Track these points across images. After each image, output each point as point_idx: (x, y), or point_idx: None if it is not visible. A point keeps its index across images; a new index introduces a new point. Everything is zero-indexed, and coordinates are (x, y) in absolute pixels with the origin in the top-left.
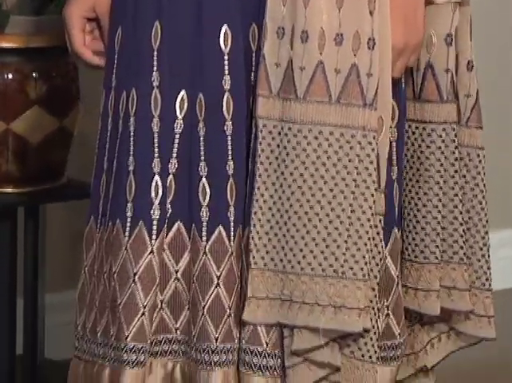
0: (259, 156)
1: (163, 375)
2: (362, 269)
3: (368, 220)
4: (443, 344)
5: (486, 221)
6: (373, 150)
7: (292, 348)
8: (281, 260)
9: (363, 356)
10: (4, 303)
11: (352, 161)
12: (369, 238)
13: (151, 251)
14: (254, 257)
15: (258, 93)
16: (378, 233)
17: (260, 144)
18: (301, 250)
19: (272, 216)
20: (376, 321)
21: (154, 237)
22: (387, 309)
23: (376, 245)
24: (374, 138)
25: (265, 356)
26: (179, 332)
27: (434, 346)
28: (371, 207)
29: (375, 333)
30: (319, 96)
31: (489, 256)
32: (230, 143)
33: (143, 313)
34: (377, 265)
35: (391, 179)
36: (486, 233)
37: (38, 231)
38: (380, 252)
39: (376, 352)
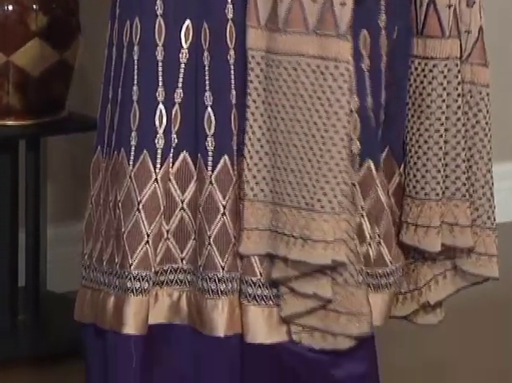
0: (248, 87)
1: (169, 304)
2: (330, 201)
3: (339, 152)
4: (448, 281)
5: (489, 159)
6: (345, 82)
7: (272, 276)
8: (271, 191)
9: (356, 282)
10: (6, 235)
11: (325, 92)
12: (340, 171)
13: (156, 180)
14: (244, 188)
15: (247, 24)
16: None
17: (249, 75)
18: (284, 181)
19: (261, 147)
20: (367, 249)
21: (158, 166)
22: (379, 237)
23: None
24: (347, 70)
25: (259, 286)
26: (184, 261)
27: (438, 283)
28: (342, 139)
29: (358, 260)
30: (297, 27)
31: (492, 194)
32: (232, 72)
33: (147, 242)
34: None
35: (365, 107)
36: (488, 171)
37: (39, 164)
38: (355, 185)
39: (362, 274)
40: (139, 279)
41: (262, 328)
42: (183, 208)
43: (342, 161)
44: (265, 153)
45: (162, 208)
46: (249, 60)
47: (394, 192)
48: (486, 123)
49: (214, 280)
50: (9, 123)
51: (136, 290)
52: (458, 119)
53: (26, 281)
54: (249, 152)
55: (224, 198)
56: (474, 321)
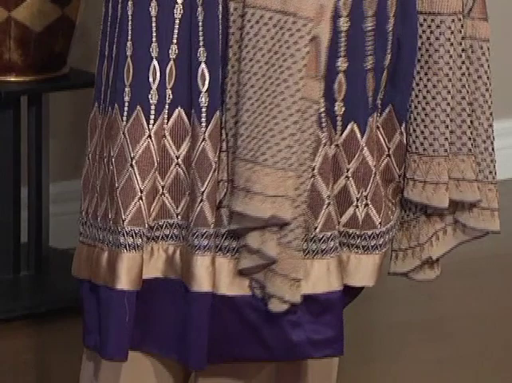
0: (230, 40)
1: (164, 259)
2: (273, 156)
3: (288, 108)
4: (448, 236)
5: (490, 114)
6: (301, 37)
7: (230, 228)
8: (234, 144)
9: (298, 245)
10: (8, 192)
11: (281, 47)
12: (287, 127)
13: (149, 136)
14: (224, 141)
15: None
16: (306, 119)
17: (230, 27)
18: (238, 134)
19: (229, 99)
20: (353, 212)
21: (152, 122)
22: (366, 199)
23: (311, 133)
24: (305, 26)
25: (226, 237)
26: (180, 217)
27: (439, 238)
28: (292, 95)
29: (304, 220)
30: None
31: (493, 149)
32: (220, 27)
33: (140, 198)
34: (304, 152)
35: (335, 69)
36: (490, 126)
37: (41, 121)
38: (316, 140)
39: (300, 239)
40: (132, 235)
41: (226, 279)
42: (178, 164)
43: (290, 117)
44: (234, 104)
45: (156, 164)
46: (230, 12)
47: (394, 152)
48: (488, 77)
49: (207, 237)
50: (11, 79)
51: (129, 246)
52: (463, 74)
53: (29, 237)
54: (226, 104)
55: (216, 154)
56: (474, 277)
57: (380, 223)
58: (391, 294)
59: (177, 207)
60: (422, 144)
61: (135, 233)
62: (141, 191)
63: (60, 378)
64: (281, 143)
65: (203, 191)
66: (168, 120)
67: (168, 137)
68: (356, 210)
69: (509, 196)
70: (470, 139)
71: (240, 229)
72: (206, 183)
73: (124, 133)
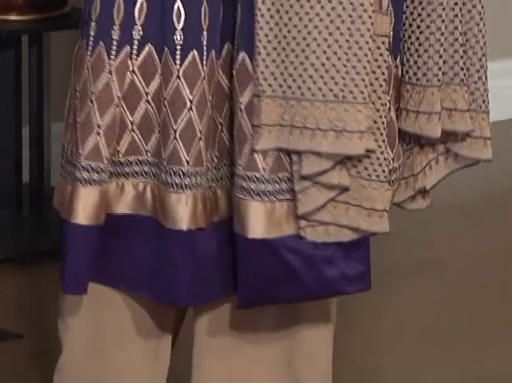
0: None
1: (133, 195)
2: (362, 92)
3: (367, 43)
4: (440, 165)
5: (484, 43)
6: None
7: (301, 173)
8: (280, 85)
9: (369, 175)
10: (10, 132)
11: None
12: (368, 61)
13: (110, 72)
14: (255, 85)
15: None
16: (381, 54)
17: None
18: (301, 76)
19: (268, 43)
20: (383, 141)
21: (113, 57)
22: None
23: (379, 66)
24: None
25: (263, 181)
26: (149, 154)
27: (432, 168)
28: (369, 30)
29: (382, 152)
30: None
31: (486, 78)
32: None
33: (98, 133)
34: (381, 86)
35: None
36: (484, 55)
37: (42, 60)
38: (383, 73)
39: (383, 171)
40: (87, 170)
41: (263, 223)
42: (147, 101)
43: (369, 51)
44: (274, 48)
45: (116, 100)
46: None
47: (393, 85)
48: (482, 6)
49: (179, 174)
50: (12, 18)
51: (85, 181)
52: (456, 3)
53: (30, 177)
54: (257, 47)
55: (191, 92)
56: (472, 217)
57: (393, 159)
58: (388, 236)
59: (146, 144)
60: (415, 73)
61: (92, 168)
62: (99, 127)
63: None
64: (365, 78)
65: (176, 130)
66: (138, 57)
67: (138, 73)
68: (385, 139)
69: (506, 137)
70: (462, 69)
71: (316, 171)
72: (178, 121)
73: (88, 68)
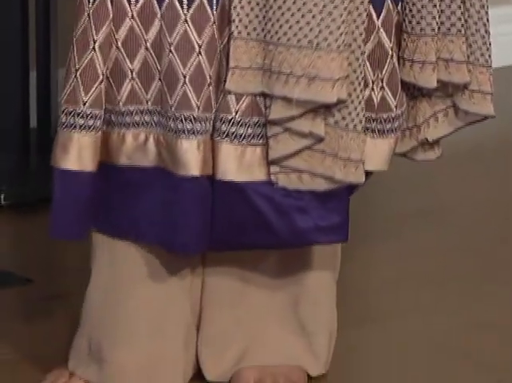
0: None
1: (134, 146)
2: (337, 40)
3: None
4: (448, 119)
5: None
6: None
7: (269, 117)
8: (263, 29)
9: (347, 125)
10: (17, 77)
11: None
12: (345, 8)
13: (111, 21)
14: (237, 27)
15: None
16: (362, 2)
17: None
18: (278, 20)
19: None
20: (361, 91)
21: (113, 3)
22: (382, 82)
23: (359, 15)
24: None
25: (233, 124)
26: (150, 103)
27: (438, 120)
28: None
29: (360, 102)
30: None
31: (486, 31)
32: None
33: (101, 81)
34: (361, 35)
35: None
36: (482, 7)
37: (49, 4)
38: (363, 22)
39: (361, 121)
40: (83, 116)
41: (233, 166)
42: (146, 48)
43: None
44: None
45: (114, 47)
46: None
47: (394, 32)
48: None
49: (190, 120)
50: None
51: (80, 127)
52: None
53: (38, 122)
54: None
55: (200, 37)
56: (477, 163)
57: (395, 106)
58: (391, 182)
59: (146, 93)
60: (410, 22)
61: (87, 114)
62: (103, 74)
63: (70, 257)
64: (341, 26)
65: (185, 75)
66: (137, 2)
67: (137, 19)
68: (372, 93)
69: (508, 84)
70: (459, 19)
71: (284, 117)
72: (188, 65)
73: (89, 15)
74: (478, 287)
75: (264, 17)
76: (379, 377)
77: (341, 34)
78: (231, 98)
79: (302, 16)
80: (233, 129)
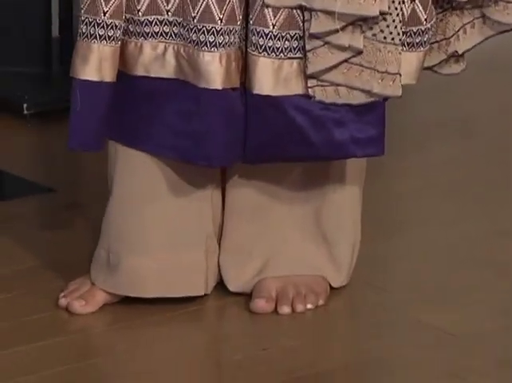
0: None
1: (152, 56)
2: None
3: None
4: (476, 30)
5: None
6: None
7: (309, 31)
8: None
9: (385, 38)
10: None
11: None
12: None
13: None
14: None
15: None
16: None
17: None
18: None
19: None
20: (399, 3)
21: None
22: None
23: None
24: None
25: (271, 37)
26: (170, 13)
27: (466, 32)
28: None
29: (398, 14)
30: None
31: None
32: None
33: None
34: None
35: None
36: None
37: None
38: None
39: (399, 34)
40: (103, 26)
41: (270, 80)
42: None
43: None
44: None
45: None
46: None
47: None
48: None
49: (213, 32)
50: None
51: (100, 36)
52: None
53: (60, 32)
54: None
55: None
56: (503, 71)
57: (425, 19)
58: (416, 91)
59: (167, 4)
60: None
61: (107, 24)
62: None
63: (93, 166)
64: None
65: None
66: None
67: None
68: (403, 5)
69: None
70: None
71: (325, 31)
72: None
73: None
74: (502, 196)
75: None
76: (399, 286)
77: None
78: (268, 11)
79: None
80: (270, 43)
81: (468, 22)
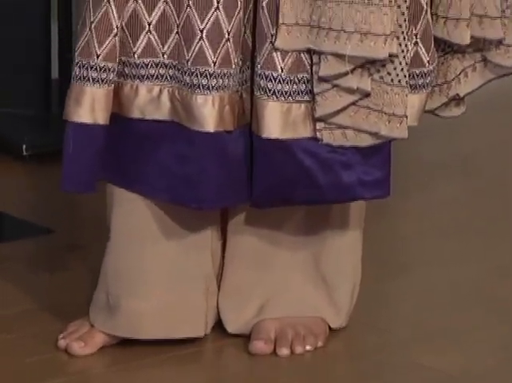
0: None
1: (148, 98)
2: None
3: None
4: (477, 73)
5: None
6: None
7: (319, 74)
8: None
9: (392, 80)
10: (39, 27)
11: None
12: None
13: None
14: None
15: None
16: None
17: None
18: None
19: None
20: (406, 46)
21: None
22: (416, 38)
23: None
24: None
25: (280, 81)
26: (166, 56)
27: (468, 75)
28: None
29: (404, 57)
30: None
31: None
32: None
33: (115, 34)
34: None
35: None
36: None
37: None
38: None
39: (405, 76)
40: (96, 69)
41: (279, 124)
42: (165, 1)
43: None
44: None
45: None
46: None
47: None
48: None
49: (206, 75)
50: None
51: (93, 80)
52: None
53: (59, 74)
54: None
55: None
56: (501, 111)
57: (428, 62)
58: (417, 131)
59: (163, 46)
60: None
61: (101, 67)
62: (117, 28)
63: (91, 207)
64: None
65: (202, 30)
66: None
67: None
68: (407, 48)
69: None
70: None
71: (335, 74)
72: (205, 21)
73: None
74: (504, 234)
75: None
76: (402, 325)
77: None
78: (277, 55)
79: None
80: (279, 87)
81: (469, 66)
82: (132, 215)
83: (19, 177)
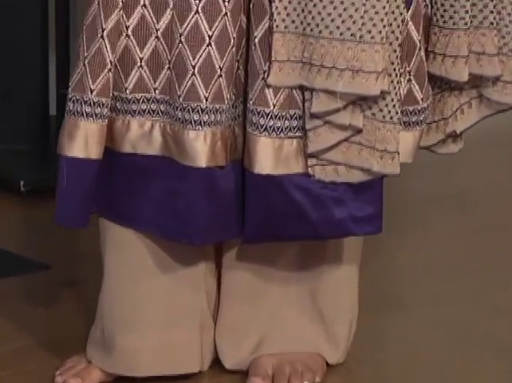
0: None
1: (139, 133)
2: (380, 32)
3: None
4: (473, 110)
5: None
6: None
7: (311, 110)
8: (302, 22)
9: (384, 117)
10: (36, 64)
11: None
12: (387, 1)
13: (120, 9)
14: (275, 20)
15: None
16: None
17: None
18: (320, 13)
19: None
20: (398, 83)
21: None
22: (409, 75)
23: (397, 6)
24: None
25: (271, 117)
26: (157, 91)
27: (464, 112)
28: None
29: (396, 93)
30: None
31: None
32: None
33: (109, 69)
34: (399, 27)
35: None
36: None
37: None
38: (401, 13)
39: (397, 113)
40: (90, 104)
41: (271, 159)
42: (157, 37)
43: None
44: None
45: (124, 35)
46: None
47: (423, 25)
48: None
49: (198, 111)
50: None
51: (87, 115)
52: None
53: (57, 110)
54: None
55: (211, 28)
56: (497, 148)
57: (422, 99)
58: (412, 167)
59: (155, 82)
60: (442, 16)
61: (94, 102)
62: (111, 63)
63: (88, 243)
64: (384, 18)
65: (194, 66)
66: None
67: (149, 8)
68: (400, 85)
69: None
70: (492, 12)
71: (326, 110)
72: (197, 57)
73: (98, 3)
74: (499, 271)
75: (303, 10)
76: (396, 363)
77: (384, 26)
78: (269, 91)
79: (345, 9)
80: (271, 123)
81: (465, 102)
82: (125, 249)
83: (17, 213)
